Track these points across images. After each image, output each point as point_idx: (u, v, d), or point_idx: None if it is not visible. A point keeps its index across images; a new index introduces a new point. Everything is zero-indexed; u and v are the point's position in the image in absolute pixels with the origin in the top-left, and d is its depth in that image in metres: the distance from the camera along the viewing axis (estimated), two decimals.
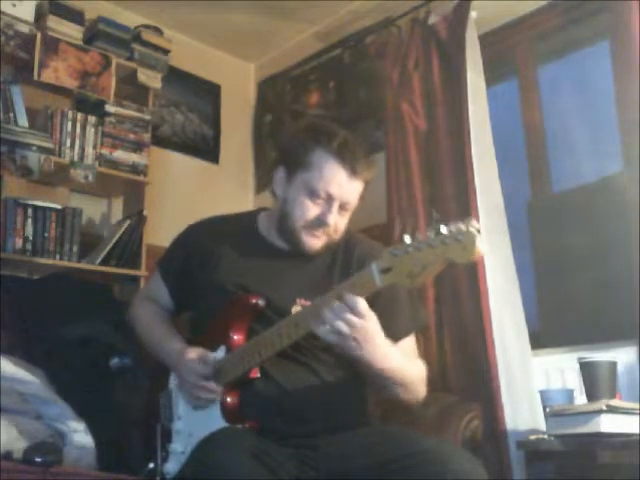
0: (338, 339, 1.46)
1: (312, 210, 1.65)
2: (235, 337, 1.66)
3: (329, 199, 1.64)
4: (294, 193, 1.68)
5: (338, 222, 1.68)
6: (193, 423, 1.71)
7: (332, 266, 1.73)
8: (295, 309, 1.65)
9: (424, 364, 1.73)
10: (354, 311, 1.43)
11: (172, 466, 1.71)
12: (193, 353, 1.68)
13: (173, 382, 1.79)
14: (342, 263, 1.73)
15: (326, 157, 1.64)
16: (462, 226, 1.24)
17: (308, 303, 1.62)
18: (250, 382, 1.63)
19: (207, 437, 1.52)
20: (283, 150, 1.78)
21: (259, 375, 1.62)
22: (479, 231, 1.24)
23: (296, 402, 1.63)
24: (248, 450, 1.43)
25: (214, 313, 1.73)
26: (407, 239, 1.33)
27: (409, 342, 1.74)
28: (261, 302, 1.66)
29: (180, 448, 1.71)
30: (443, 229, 1.26)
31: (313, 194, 1.65)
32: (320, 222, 1.65)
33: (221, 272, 1.76)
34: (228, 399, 1.64)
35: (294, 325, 1.54)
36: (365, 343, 1.48)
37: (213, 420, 1.63)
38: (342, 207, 1.66)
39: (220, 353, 1.67)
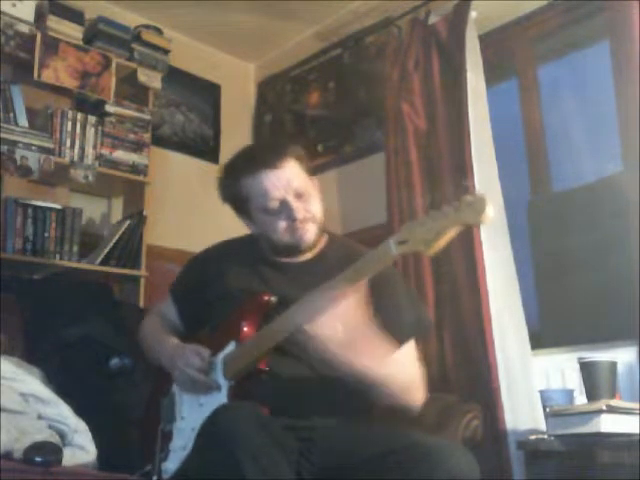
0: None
1: (280, 222, 1.76)
2: (245, 330, 1.72)
3: (281, 202, 1.74)
4: (262, 224, 1.81)
5: (307, 207, 1.76)
6: (197, 418, 1.70)
7: (327, 270, 1.75)
8: None
9: (422, 367, 1.74)
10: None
11: (171, 464, 1.73)
12: (190, 347, 1.76)
13: (176, 386, 1.82)
14: (332, 266, 1.77)
15: (248, 178, 1.76)
16: (471, 196, 1.39)
17: None
18: (259, 374, 1.68)
19: (215, 409, 1.53)
20: (231, 205, 1.88)
21: (267, 368, 1.67)
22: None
23: (296, 395, 1.69)
24: (256, 419, 1.46)
25: (224, 317, 1.80)
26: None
27: (410, 346, 1.75)
28: (273, 299, 1.74)
29: (181, 443, 1.73)
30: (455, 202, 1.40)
31: (270, 212, 1.76)
32: (292, 221, 1.75)
33: (228, 284, 1.85)
34: (235, 385, 1.68)
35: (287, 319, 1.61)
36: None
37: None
38: (297, 196, 1.74)
39: (229, 348, 1.72)
